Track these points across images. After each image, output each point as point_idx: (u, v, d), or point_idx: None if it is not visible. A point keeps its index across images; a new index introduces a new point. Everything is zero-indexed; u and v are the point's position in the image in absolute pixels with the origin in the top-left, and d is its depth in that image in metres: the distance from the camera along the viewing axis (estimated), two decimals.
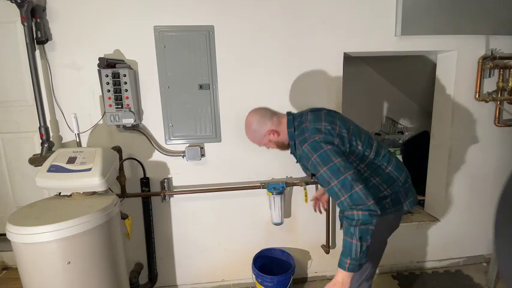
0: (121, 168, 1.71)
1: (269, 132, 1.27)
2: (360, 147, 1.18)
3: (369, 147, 1.20)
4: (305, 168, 1.29)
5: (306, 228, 2.01)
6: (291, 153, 1.33)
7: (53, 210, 1.26)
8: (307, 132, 1.15)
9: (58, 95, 1.68)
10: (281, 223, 1.87)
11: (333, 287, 1.04)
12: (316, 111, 1.25)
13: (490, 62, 1.87)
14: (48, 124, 1.64)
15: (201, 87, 1.74)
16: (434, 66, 2.12)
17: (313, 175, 1.27)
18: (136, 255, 1.90)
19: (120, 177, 1.71)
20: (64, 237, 1.13)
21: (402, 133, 3.00)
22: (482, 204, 2.13)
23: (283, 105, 1.82)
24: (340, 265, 1.03)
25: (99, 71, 1.56)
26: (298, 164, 1.34)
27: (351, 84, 2.21)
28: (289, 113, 1.32)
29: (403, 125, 3.02)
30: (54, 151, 1.47)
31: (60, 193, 1.47)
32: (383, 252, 1.32)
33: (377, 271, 2.14)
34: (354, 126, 1.23)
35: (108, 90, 1.57)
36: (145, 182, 1.80)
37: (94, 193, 1.43)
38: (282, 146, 1.33)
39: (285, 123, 1.27)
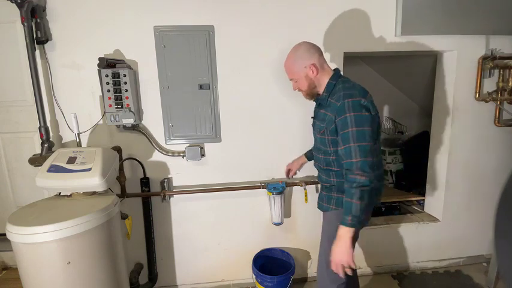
0: (121, 168, 1.71)
1: (311, 65, 1.26)
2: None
3: (377, 140, 1.25)
4: (321, 122, 1.30)
5: (306, 228, 2.01)
6: (317, 103, 1.37)
7: (53, 210, 1.26)
8: (355, 90, 1.18)
9: (58, 95, 1.68)
10: (281, 223, 1.87)
11: (337, 243, 1.14)
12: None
13: (490, 62, 1.87)
14: (48, 124, 1.64)
15: (201, 87, 1.74)
16: (434, 66, 2.12)
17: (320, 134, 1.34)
18: (137, 255, 1.90)
19: (120, 177, 1.71)
20: (64, 237, 1.13)
21: (402, 133, 3.00)
22: (482, 204, 2.13)
23: (284, 105, 1.82)
24: (342, 223, 1.13)
25: (99, 71, 1.56)
26: (312, 119, 1.41)
27: None
28: (337, 69, 1.33)
29: (403, 125, 3.02)
30: (54, 151, 1.47)
31: (60, 193, 1.47)
32: (355, 243, 1.34)
33: (377, 271, 2.15)
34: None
35: (108, 90, 1.57)
36: (145, 182, 1.80)
37: (94, 193, 1.43)
38: (312, 90, 1.31)
39: (328, 71, 1.29)
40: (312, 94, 1.33)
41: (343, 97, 1.16)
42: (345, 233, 1.13)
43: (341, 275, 1.16)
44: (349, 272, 1.15)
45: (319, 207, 1.46)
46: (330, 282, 1.33)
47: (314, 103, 1.44)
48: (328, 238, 1.34)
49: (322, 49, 1.75)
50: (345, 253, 1.12)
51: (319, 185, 1.85)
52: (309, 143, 1.86)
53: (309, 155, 1.74)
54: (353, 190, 1.10)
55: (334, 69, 1.32)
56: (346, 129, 1.13)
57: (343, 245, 1.13)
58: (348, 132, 1.12)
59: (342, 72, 1.80)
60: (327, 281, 1.34)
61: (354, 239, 1.28)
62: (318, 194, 1.59)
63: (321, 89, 1.30)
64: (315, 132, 1.40)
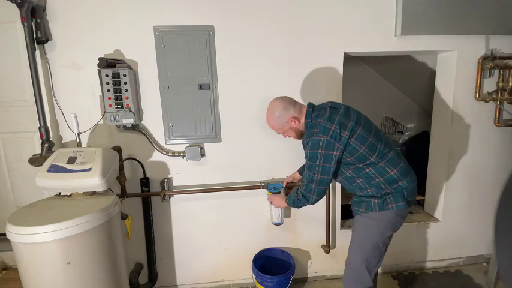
0: (121, 168, 1.71)
1: (291, 119, 1.39)
2: (361, 150, 1.28)
3: (372, 151, 1.29)
4: None
5: (306, 228, 2.01)
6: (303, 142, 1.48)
7: (53, 210, 1.26)
8: (317, 129, 1.29)
9: (58, 95, 1.68)
10: (281, 223, 1.87)
11: (280, 199, 1.67)
12: (334, 109, 1.35)
13: (490, 62, 1.86)
14: (48, 124, 1.64)
15: (201, 87, 1.74)
16: (434, 66, 2.12)
17: None
18: (137, 255, 1.90)
19: (120, 177, 1.71)
20: (64, 237, 1.13)
21: (402, 133, 2.99)
22: (482, 204, 2.13)
23: None
24: (287, 198, 1.54)
25: (99, 71, 1.56)
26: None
27: (351, 84, 2.21)
28: (309, 104, 1.42)
29: (403, 125, 3.01)
30: (54, 151, 1.47)
31: (60, 193, 1.47)
32: (386, 249, 1.41)
33: (377, 271, 2.15)
34: (363, 130, 1.30)
35: (108, 90, 1.57)
36: (145, 182, 1.80)
37: (94, 193, 1.43)
38: (300, 134, 1.46)
39: (304, 112, 1.40)
40: (301, 136, 1.48)
41: (307, 137, 1.35)
42: (285, 201, 1.57)
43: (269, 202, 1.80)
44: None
45: (353, 212, 1.49)
46: (360, 283, 1.39)
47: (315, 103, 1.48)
48: (357, 239, 1.42)
49: (323, 50, 1.78)
50: (279, 203, 1.69)
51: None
52: None
53: (302, 170, 1.77)
54: (294, 195, 1.45)
55: (307, 105, 1.42)
56: (307, 161, 1.35)
57: (281, 202, 1.65)
58: (307, 164, 1.35)
59: (341, 73, 1.82)
60: (357, 282, 1.40)
61: (385, 238, 1.39)
62: None
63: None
64: None
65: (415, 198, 1.40)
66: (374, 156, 1.29)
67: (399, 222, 1.36)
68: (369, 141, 1.29)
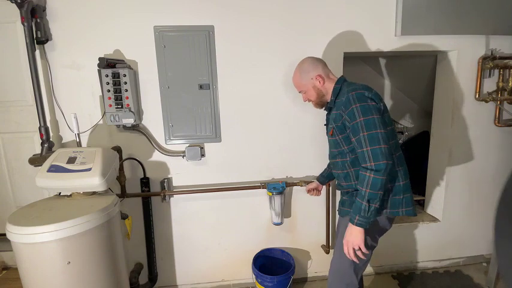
0: (121, 168, 1.71)
1: (317, 76, 1.34)
2: (389, 128, 1.23)
3: (392, 137, 1.25)
4: (332, 123, 1.32)
5: (306, 228, 2.01)
6: (324, 109, 1.43)
7: (53, 210, 1.26)
8: (358, 86, 1.23)
9: (58, 95, 1.68)
10: (281, 223, 1.87)
11: (348, 237, 1.18)
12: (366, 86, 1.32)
13: (490, 62, 1.87)
14: (48, 124, 1.64)
15: (201, 87, 1.74)
16: (434, 66, 2.12)
17: (332, 136, 1.35)
18: (136, 255, 1.90)
19: (120, 177, 1.71)
20: (64, 237, 1.13)
21: (402, 133, 2.99)
22: (482, 204, 2.13)
23: (283, 105, 1.82)
24: (351, 220, 1.17)
25: (99, 71, 1.56)
26: (325, 126, 1.46)
27: None
28: (342, 76, 1.38)
29: (403, 125, 3.01)
30: (54, 151, 1.47)
31: (60, 193, 1.47)
32: (372, 252, 1.35)
33: (377, 271, 2.15)
34: (388, 116, 1.28)
35: (108, 90, 1.57)
36: (145, 182, 1.80)
37: (94, 193, 1.43)
38: (321, 98, 1.38)
39: (334, 79, 1.36)
40: (321, 103, 1.40)
41: (347, 92, 1.22)
42: (353, 231, 1.17)
43: (353, 258, 1.19)
44: (361, 255, 1.18)
45: (340, 212, 1.43)
46: (346, 285, 1.33)
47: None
48: None
49: (323, 50, 1.78)
50: (357, 236, 1.16)
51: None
52: (308, 141, 1.86)
53: (321, 180, 1.73)
54: (363, 192, 1.12)
55: (339, 77, 1.37)
56: (355, 120, 1.16)
57: (356, 228, 1.16)
58: (357, 123, 1.15)
59: (341, 73, 1.83)
60: (344, 285, 1.33)
61: (374, 242, 1.31)
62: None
63: (329, 97, 1.36)
64: (328, 139, 1.41)
65: (414, 208, 1.29)
66: (392, 142, 1.24)
67: (388, 225, 1.33)
68: (392, 127, 1.26)
